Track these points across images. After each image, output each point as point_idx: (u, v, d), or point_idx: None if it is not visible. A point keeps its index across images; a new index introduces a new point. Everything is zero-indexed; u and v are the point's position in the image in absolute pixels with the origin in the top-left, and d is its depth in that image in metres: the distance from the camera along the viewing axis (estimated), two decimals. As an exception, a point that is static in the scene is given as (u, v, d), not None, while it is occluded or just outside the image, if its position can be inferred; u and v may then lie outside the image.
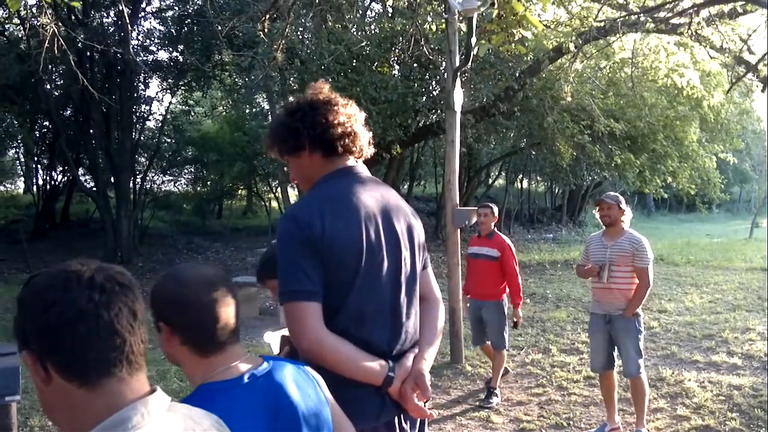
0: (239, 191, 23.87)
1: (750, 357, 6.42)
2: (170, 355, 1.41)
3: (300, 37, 12.26)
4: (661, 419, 4.83)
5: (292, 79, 13.13)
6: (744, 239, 20.78)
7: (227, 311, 1.39)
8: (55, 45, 5.72)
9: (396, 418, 1.86)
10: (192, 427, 1.01)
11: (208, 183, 21.34)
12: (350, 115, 1.88)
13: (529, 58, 11.21)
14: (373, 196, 1.87)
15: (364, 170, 1.94)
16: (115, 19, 14.30)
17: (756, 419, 4.76)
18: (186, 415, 1.03)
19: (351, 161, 1.92)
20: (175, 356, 1.40)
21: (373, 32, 12.62)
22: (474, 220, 6.21)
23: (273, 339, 2.78)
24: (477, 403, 5.29)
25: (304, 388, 1.45)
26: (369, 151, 1.96)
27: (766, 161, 25.93)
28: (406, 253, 1.90)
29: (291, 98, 1.98)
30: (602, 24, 9.07)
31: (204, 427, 1.04)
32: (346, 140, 1.87)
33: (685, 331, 7.54)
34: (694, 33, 8.96)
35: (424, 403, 1.85)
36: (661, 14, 8.51)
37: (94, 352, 0.93)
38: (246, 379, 1.36)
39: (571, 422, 4.85)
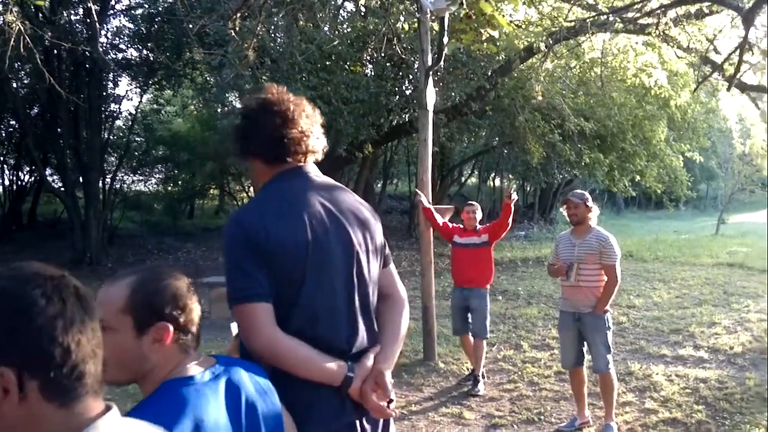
0: (211, 191, 23.68)
1: (716, 350, 6.56)
2: (144, 355, 1.33)
3: (271, 35, 12.20)
4: (630, 413, 4.92)
5: (263, 78, 13.06)
6: (710, 235, 21.21)
7: (199, 310, 1.40)
8: (21, 43, 5.62)
9: (357, 420, 1.83)
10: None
11: (180, 182, 21.11)
12: (294, 119, 1.83)
13: (500, 57, 11.30)
14: (322, 196, 1.85)
15: (313, 171, 1.91)
16: (83, 17, 14.09)
17: (721, 411, 4.88)
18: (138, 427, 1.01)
19: (300, 163, 1.88)
20: (156, 358, 1.34)
21: (345, 31, 12.61)
22: (448, 217, 6.28)
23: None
24: (466, 390, 5.54)
25: (261, 391, 1.45)
26: (318, 153, 1.91)
27: (731, 159, 26.47)
28: (360, 252, 1.86)
29: (241, 101, 1.98)
30: (572, 24, 9.18)
31: None
32: (288, 146, 1.83)
33: (653, 325, 7.69)
34: (661, 33, 9.12)
35: (387, 403, 1.81)
36: (630, 15, 8.63)
37: (89, 368, 0.90)
38: (208, 377, 1.35)
39: (542, 417, 4.92)
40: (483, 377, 5.66)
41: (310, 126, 1.87)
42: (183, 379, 1.32)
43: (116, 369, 1.31)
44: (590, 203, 4.53)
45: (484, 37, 3.40)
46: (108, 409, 0.94)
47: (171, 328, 1.34)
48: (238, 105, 2.04)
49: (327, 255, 1.78)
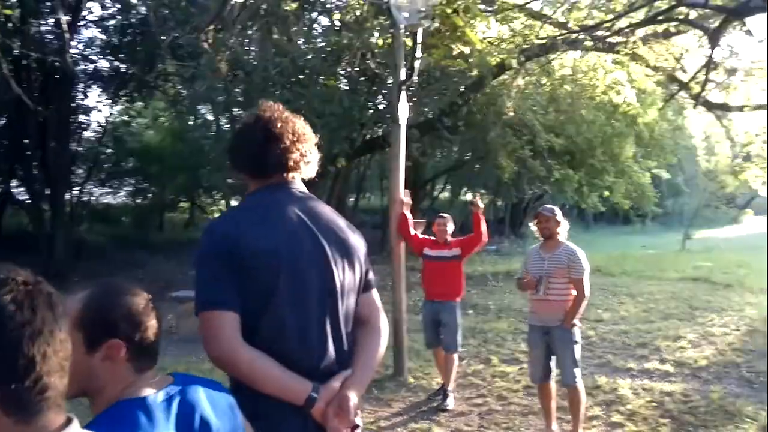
0: (181, 204, 23.44)
1: (681, 364, 6.67)
2: (94, 372, 1.29)
3: (245, 48, 12.19)
4: (597, 426, 4.97)
5: (236, 90, 13.02)
6: (677, 251, 21.58)
7: (157, 322, 1.37)
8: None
9: None
10: None
11: (150, 195, 20.87)
12: (279, 136, 1.86)
13: (473, 73, 11.44)
14: (301, 211, 1.84)
15: (297, 186, 1.91)
16: (54, 27, 13.92)
17: (686, 424, 4.95)
18: None
19: (285, 177, 1.89)
20: (106, 375, 1.30)
21: (319, 45, 12.65)
22: (419, 231, 6.31)
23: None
24: (435, 404, 5.50)
25: (220, 408, 1.40)
26: (303, 169, 1.93)
27: (697, 176, 27.04)
28: (336, 270, 1.83)
29: (243, 116, 2.03)
30: (543, 42, 9.35)
31: None
32: (270, 162, 1.86)
33: (620, 339, 7.78)
34: (630, 52, 9.33)
35: (352, 429, 1.77)
36: (599, 33, 8.82)
37: (54, 382, 0.86)
38: (161, 398, 1.30)
39: (511, 431, 4.94)
40: (451, 394, 5.58)
41: (296, 143, 1.87)
42: (135, 400, 1.27)
43: None
44: (560, 218, 4.60)
45: (455, 53, 3.45)
46: (69, 422, 0.90)
47: (124, 346, 1.29)
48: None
49: (300, 269, 1.76)
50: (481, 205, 5.67)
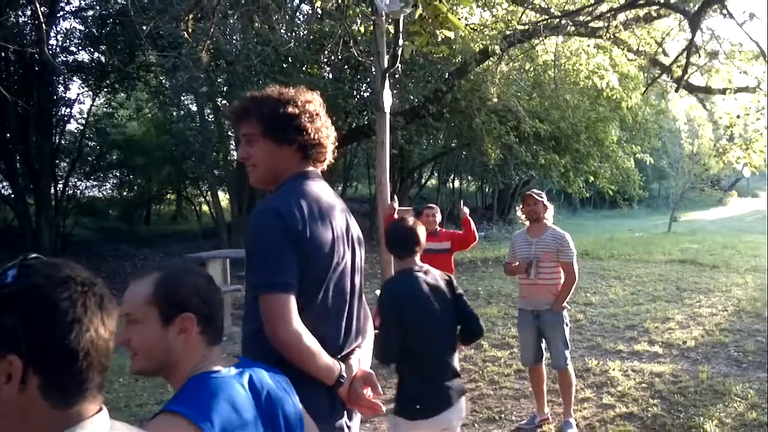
0: (168, 196, 23.27)
1: (670, 345, 6.72)
2: (169, 346, 1.38)
3: (226, 37, 12.07)
4: (588, 408, 5.00)
5: (219, 80, 12.91)
6: (663, 233, 21.77)
7: (222, 302, 1.48)
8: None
9: (344, 419, 1.91)
10: None
11: (135, 188, 20.71)
12: (333, 134, 2.01)
13: (456, 60, 11.41)
14: (335, 201, 1.97)
15: (319, 173, 2.03)
16: (31, 18, 13.70)
17: (676, 405, 4.99)
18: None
19: (320, 168, 2.02)
20: (181, 349, 1.39)
21: (301, 34, 12.57)
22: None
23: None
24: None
25: (282, 389, 1.50)
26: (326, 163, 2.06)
27: (681, 159, 27.22)
28: (357, 257, 2.01)
29: (290, 91, 1.96)
30: (526, 27, 9.33)
31: None
32: (329, 155, 2.01)
33: (610, 322, 7.83)
34: (612, 36, 9.34)
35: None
36: (581, 18, 8.81)
37: (93, 376, 0.93)
38: (233, 372, 1.40)
39: (503, 415, 4.96)
40: None
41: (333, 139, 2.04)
42: (210, 372, 1.38)
43: (143, 359, 1.41)
44: (547, 202, 4.60)
45: (438, 39, 3.42)
46: (98, 411, 0.96)
47: (195, 319, 1.39)
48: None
49: (342, 263, 1.90)
50: (467, 211, 5.65)
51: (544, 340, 4.62)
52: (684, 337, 7.00)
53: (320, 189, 1.93)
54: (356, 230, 2.04)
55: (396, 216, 6.01)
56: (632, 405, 5.01)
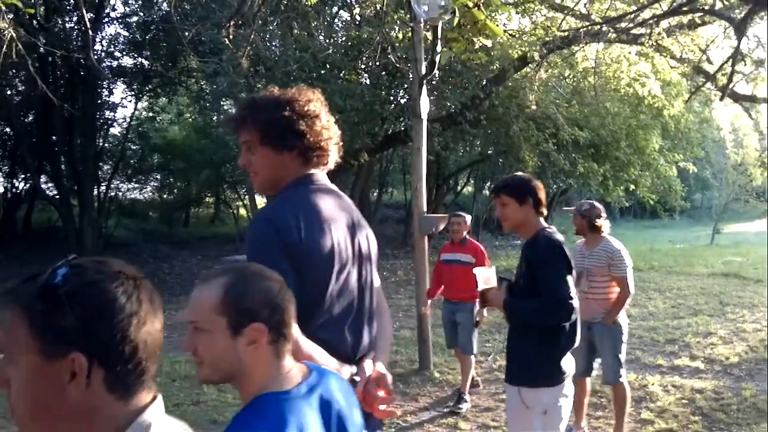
0: (206, 199, 23.61)
1: (711, 361, 6.54)
2: (238, 357, 1.30)
3: (266, 44, 12.20)
4: (627, 423, 4.87)
5: (258, 86, 13.05)
6: (705, 245, 21.23)
7: (294, 307, 1.40)
8: (14, 50, 5.59)
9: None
10: (185, 428, 1.05)
11: (175, 190, 21.06)
12: (335, 132, 1.97)
13: (494, 66, 11.33)
14: (339, 207, 1.94)
15: (326, 180, 2.00)
16: (77, 24, 14.07)
17: (718, 422, 4.85)
18: (173, 420, 1.05)
19: (323, 170, 1.98)
20: (250, 360, 1.31)
21: (340, 40, 12.63)
22: (442, 226, 6.24)
23: (484, 274, 3.04)
24: (446, 410, 5.29)
25: (349, 403, 1.46)
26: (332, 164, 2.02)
27: (725, 169, 26.56)
28: (367, 262, 1.97)
29: (287, 92, 1.95)
30: (566, 34, 9.22)
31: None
32: (332, 156, 1.96)
33: (649, 335, 7.66)
34: (654, 43, 9.16)
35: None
36: (623, 25, 8.66)
37: (150, 367, 0.97)
38: (304, 390, 1.34)
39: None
40: (466, 398, 5.39)
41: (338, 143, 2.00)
42: (280, 393, 1.31)
43: (210, 369, 1.33)
44: (588, 213, 4.46)
45: (476, 46, 3.39)
46: (154, 399, 0.99)
47: (266, 329, 1.30)
48: (281, 93, 1.99)
49: (346, 269, 1.87)
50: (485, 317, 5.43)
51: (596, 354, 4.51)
52: (727, 352, 6.80)
53: (321, 195, 1.90)
54: (367, 241, 1.99)
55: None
56: (672, 421, 4.89)
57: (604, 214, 4.51)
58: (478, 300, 3.19)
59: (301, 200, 1.85)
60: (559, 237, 2.89)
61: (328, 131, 1.94)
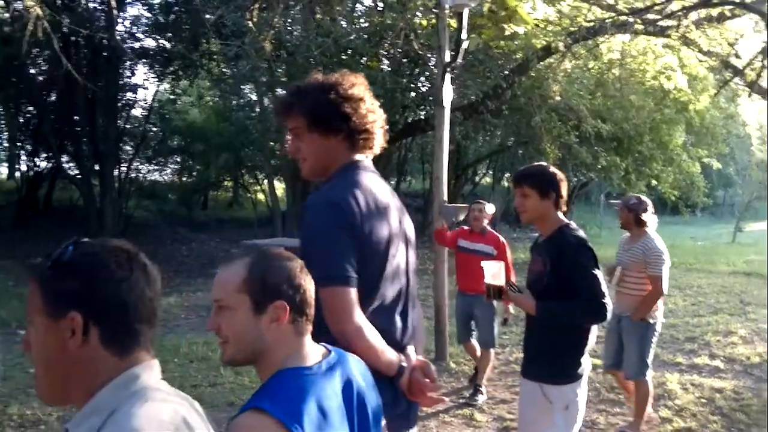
0: (225, 182, 23.70)
1: (732, 360, 6.45)
2: (261, 335, 1.34)
3: (288, 28, 12.16)
4: (645, 421, 4.83)
5: (279, 70, 13.03)
6: (727, 243, 20.96)
7: (312, 287, 1.42)
8: (39, 29, 5.61)
9: (406, 410, 1.91)
10: (176, 392, 1.14)
11: (194, 173, 21.16)
12: (381, 116, 1.95)
13: (518, 56, 11.20)
14: (387, 191, 1.95)
15: (372, 165, 2.00)
16: (101, 4, 14.12)
17: (737, 423, 4.78)
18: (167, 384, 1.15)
19: (362, 155, 1.97)
20: (272, 337, 1.34)
21: (362, 26, 12.54)
22: (462, 216, 6.16)
23: (493, 268, 3.03)
24: (462, 401, 5.26)
25: (367, 382, 1.48)
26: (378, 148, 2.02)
27: (749, 166, 26.18)
28: (410, 248, 2.00)
29: (331, 77, 1.94)
30: (591, 24, 9.07)
31: (182, 396, 1.16)
32: (378, 140, 1.96)
33: (668, 333, 7.55)
34: (682, 36, 8.99)
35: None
36: (650, 16, 8.52)
37: (143, 329, 1.10)
38: (324, 367, 1.37)
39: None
40: (482, 390, 5.33)
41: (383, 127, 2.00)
42: (301, 369, 1.34)
43: (234, 347, 1.37)
44: (635, 208, 4.39)
45: (505, 33, 3.33)
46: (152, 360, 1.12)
47: (287, 307, 1.34)
48: (325, 78, 1.97)
49: (397, 255, 1.89)
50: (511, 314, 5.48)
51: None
52: (747, 352, 6.70)
53: (373, 181, 1.91)
54: (410, 226, 2.03)
55: (444, 228, 5.82)
56: (691, 420, 4.82)
57: (651, 209, 4.45)
58: (485, 295, 3.11)
59: (357, 184, 1.84)
60: (582, 233, 2.84)
61: (374, 114, 1.92)
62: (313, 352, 1.39)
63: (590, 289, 2.67)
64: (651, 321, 4.34)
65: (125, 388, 1.05)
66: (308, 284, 1.39)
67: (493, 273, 3.03)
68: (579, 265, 2.70)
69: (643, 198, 4.52)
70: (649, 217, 4.43)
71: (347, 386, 1.39)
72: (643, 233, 4.38)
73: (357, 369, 1.46)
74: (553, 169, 2.88)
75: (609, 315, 2.69)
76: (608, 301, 2.68)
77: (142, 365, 1.09)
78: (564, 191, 2.83)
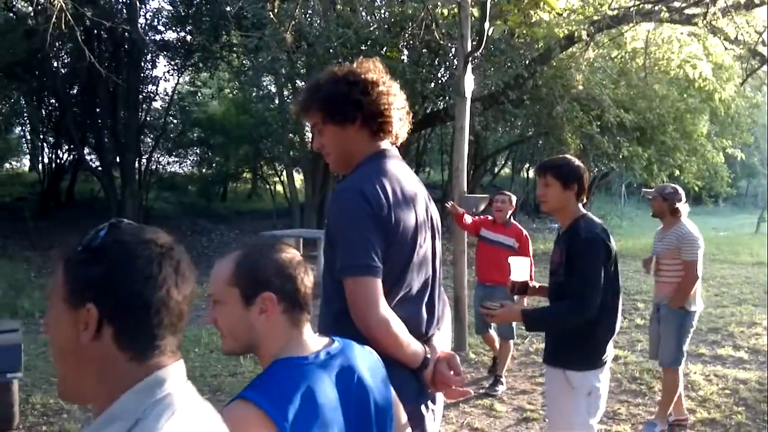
0: (244, 174, 23.79)
1: (756, 351, 6.37)
2: (252, 326, 1.36)
3: (308, 19, 12.16)
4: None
5: (299, 62, 13.04)
6: (750, 234, 20.66)
7: (311, 277, 1.42)
8: (63, 21, 5.66)
9: (429, 402, 1.88)
10: (200, 399, 1.04)
11: (214, 165, 21.26)
12: (398, 98, 1.91)
13: (539, 45, 11.09)
14: (414, 180, 1.92)
15: (398, 154, 1.97)
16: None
17: (762, 414, 4.73)
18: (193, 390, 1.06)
19: (388, 144, 1.93)
20: (263, 329, 1.36)
21: (382, 16, 12.50)
22: (482, 207, 6.14)
23: (519, 265, 3.04)
24: (482, 391, 5.25)
25: (375, 373, 1.46)
26: (402, 138, 1.98)
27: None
28: (437, 238, 1.97)
29: (345, 66, 1.93)
30: (616, 13, 8.94)
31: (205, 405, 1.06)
32: (397, 125, 1.90)
33: (691, 324, 7.48)
34: (708, 24, 8.84)
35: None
36: (676, 4, 8.39)
37: (164, 334, 0.98)
38: (322, 357, 1.37)
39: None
40: (502, 381, 5.33)
41: (404, 111, 1.95)
42: (295, 359, 1.34)
43: (229, 340, 1.41)
44: (670, 197, 4.37)
45: (532, 20, 3.30)
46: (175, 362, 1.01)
47: (275, 298, 1.35)
48: (336, 69, 1.96)
49: (423, 244, 1.86)
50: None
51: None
52: (772, 344, 6.62)
53: (399, 169, 1.88)
54: (436, 216, 2.00)
55: (461, 211, 5.73)
56: (714, 411, 4.78)
57: (684, 199, 4.44)
58: (509, 289, 3.11)
59: (383, 172, 1.82)
60: (597, 224, 2.84)
61: (388, 97, 1.87)
62: (313, 343, 1.40)
63: (580, 286, 2.69)
64: (690, 309, 4.30)
65: (149, 395, 0.95)
66: (303, 275, 1.39)
67: (520, 269, 3.04)
68: (581, 258, 2.74)
69: (678, 188, 4.49)
70: (684, 207, 4.42)
71: (347, 376, 1.38)
72: (677, 221, 4.37)
73: (364, 361, 1.44)
74: (577, 161, 2.91)
75: (592, 313, 2.69)
76: (595, 298, 2.69)
77: (166, 369, 0.98)
78: (586, 184, 2.87)
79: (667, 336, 4.33)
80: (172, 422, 0.93)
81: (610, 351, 2.87)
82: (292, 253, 1.41)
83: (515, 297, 4.70)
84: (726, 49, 10.65)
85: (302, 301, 1.39)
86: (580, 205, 2.87)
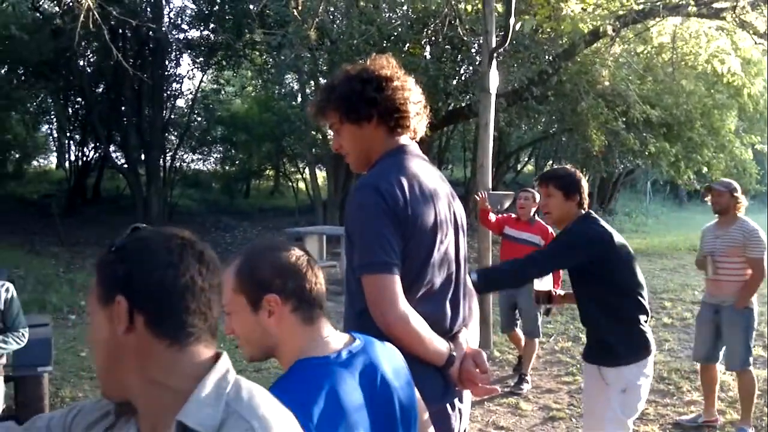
0: (267, 171, 23.93)
1: (787, 352, 6.25)
2: (265, 330, 1.34)
3: (331, 17, 12.16)
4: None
5: (322, 59, 13.06)
6: (779, 232, 20.27)
7: (319, 274, 1.39)
8: (90, 20, 5.72)
9: (455, 400, 1.85)
10: (249, 386, 1.05)
11: (237, 162, 21.41)
12: (414, 92, 1.88)
13: (564, 41, 10.98)
14: (435, 176, 1.89)
15: (419, 150, 1.94)
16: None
17: (794, 415, 4.63)
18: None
19: (407, 139, 1.91)
20: (277, 331, 1.34)
21: (405, 12, 12.47)
22: (507, 204, 6.09)
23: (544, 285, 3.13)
24: (507, 389, 5.22)
25: (398, 371, 1.43)
26: (421, 133, 1.95)
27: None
28: (462, 234, 1.94)
29: (358, 65, 1.92)
30: (642, 7, 8.83)
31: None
32: (415, 120, 1.88)
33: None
34: (737, 18, 8.68)
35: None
36: (704, -2, 8.26)
37: (194, 321, 1.01)
38: (344, 356, 1.34)
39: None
40: (527, 379, 5.31)
41: (421, 105, 1.92)
42: (315, 359, 1.32)
43: (248, 347, 1.40)
44: (737, 193, 4.31)
45: (561, 13, 3.26)
46: (218, 357, 1.04)
47: (279, 298, 1.32)
48: (349, 68, 1.97)
49: (445, 240, 1.83)
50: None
51: (722, 340, 4.38)
52: (805, 344, 6.48)
53: (419, 166, 1.85)
54: (461, 212, 1.97)
55: (488, 206, 5.67)
56: (745, 413, 4.68)
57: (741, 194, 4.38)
58: (533, 300, 3.26)
59: (401, 169, 1.80)
60: (600, 225, 2.86)
61: (403, 92, 1.84)
62: (334, 340, 1.37)
63: (538, 259, 2.92)
64: (753, 306, 4.24)
65: (224, 379, 1.01)
66: (309, 271, 1.36)
67: (543, 279, 3.07)
68: (559, 239, 2.94)
69: (733, 182, 4.45)
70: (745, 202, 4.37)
71: (371, 375, 1.35)
72: (737, 217, 4.28)
73: (386, 359, 1.42)
74: (576, 171, 3.04)
75: (523, 283, 3.00)
76: (533, 272, 2.90)
77: (224, 357, 1.04)
78: (586, 193, 2.98)
79: (734, 337, 4.23)
80: (264, 401, 1.00)
81: (649, 345, 2.84)
82: (292, 252, 1.38)
83: (541, 308, 4.69)
84: (755, 43, 10.46)
85: (311, 298, 1.36)
86: (582, 212, 2.97)
